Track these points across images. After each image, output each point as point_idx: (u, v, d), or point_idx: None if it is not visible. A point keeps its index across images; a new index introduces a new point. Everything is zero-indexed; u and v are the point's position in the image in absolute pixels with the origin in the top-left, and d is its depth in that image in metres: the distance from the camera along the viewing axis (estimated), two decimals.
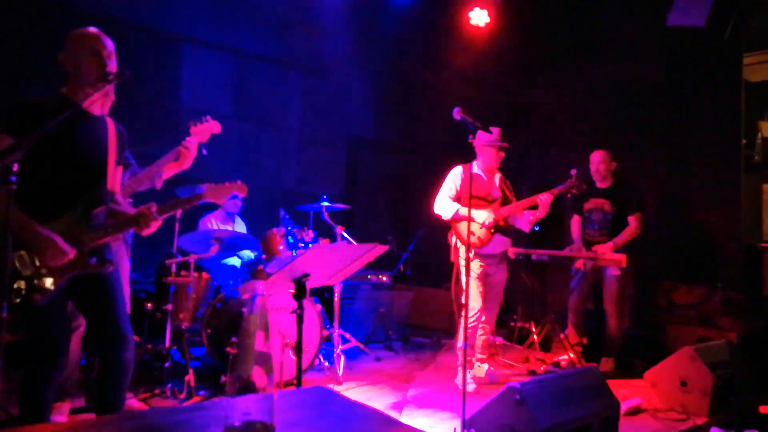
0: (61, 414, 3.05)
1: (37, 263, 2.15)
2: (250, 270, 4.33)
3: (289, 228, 4.27)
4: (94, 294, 2.33)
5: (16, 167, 1.76)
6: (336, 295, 4.64)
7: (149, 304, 3.99)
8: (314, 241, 4.33)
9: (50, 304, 2.20)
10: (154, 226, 2.38)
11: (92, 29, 2.36)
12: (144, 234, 2.39)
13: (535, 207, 3.97)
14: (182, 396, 3.50)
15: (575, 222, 4.87)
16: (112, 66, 2.34)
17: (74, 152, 2.28)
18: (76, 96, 2.30)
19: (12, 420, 2.40)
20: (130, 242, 3.36)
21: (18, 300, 2.12)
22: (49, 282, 2.18)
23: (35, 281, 2.15)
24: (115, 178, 2.47)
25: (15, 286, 2.11)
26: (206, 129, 3.26)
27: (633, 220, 4.53)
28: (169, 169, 3.16)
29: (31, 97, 2.25)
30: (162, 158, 3.13)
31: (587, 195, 4.63)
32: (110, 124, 2.45)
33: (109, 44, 2.36)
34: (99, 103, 2.70)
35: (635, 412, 3.46)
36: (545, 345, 5.15)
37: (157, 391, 3.54)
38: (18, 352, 2.24)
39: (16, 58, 4.57)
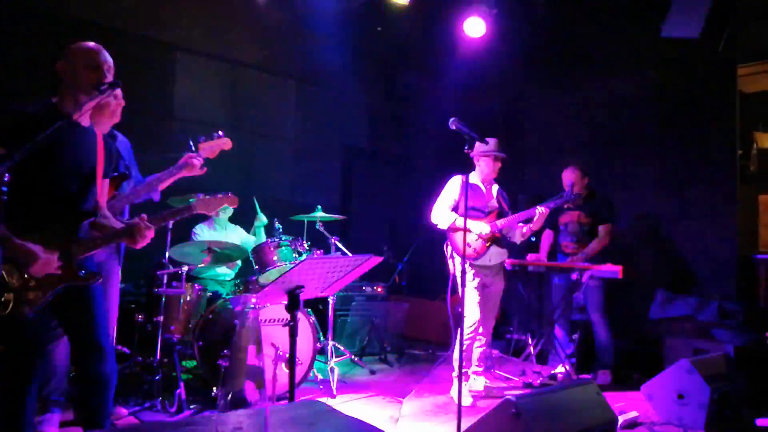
0: (51, 425, 3.00)
1: (26, 276, 2.13)
2: (243, 280, 4.28)
3: (283, 239, 4.23)
4: (74, 307, 2.29)
5: (7, 178, 1.73)
6: (330, 306, 4.60)
7: (140, 316, 3.94)
8: (308, 252, 4.29)
9: (34, 317, 2.17)
10: (148, 237, 2.35)
11: (94, 44, 2.37)
12: (137, 247, 2.37)
13: (529, 220, 3.97)
14: (173, 409, 3.44)
15: (546, 235, 5.00)
16: (110, 79, 2.34)
17: (63, 162, 2.26)
18: (67, 106, 2.29)
19: None
20: (122, 254, 3.32)
21: (6, 312, 2.09)
22: (37, 295, 2.15)
23: (24, 293, 2.13)
24: (103, 190, 2.45)
25: (3, 299, 2.09)
26: (217, 145, 3.24)
27: (602, 230, 4.65)
28: (167, 181, 3.15)
29: (20, 106, 2.23)
30: (163, 173, 3.12)
31: (560, 208, 4.67)
32: (99, 136, 2.44)
33: (109, 59, 2.37)
34: (99, 119, 2.78)
35: (632, 425, 3.43)
36: (542, 357, 5.12)
37: (147, 405, 3.49)
38: None
39: (11, 66, 4.54)
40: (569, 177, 4.68)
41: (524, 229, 4.03)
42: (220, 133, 3.27)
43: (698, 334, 4.55)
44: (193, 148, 3.60)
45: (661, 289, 5.09)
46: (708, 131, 5.19)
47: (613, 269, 4.20)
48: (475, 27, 5.77)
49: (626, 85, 5.72)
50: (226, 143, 3.27)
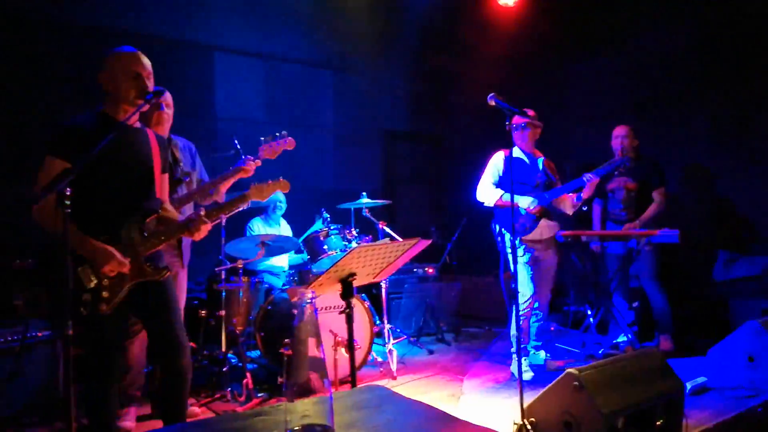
0: (128, 420, 3.17)
1: (100, 275, 2.24)
2: (298, 271, 4.38)
3: (332, 227, 4.29)
4: (152, 302, 2.39)
5: (69, 191, 1.82)
6: (383, 290, 4.65)
7: (203, 311, 4.10)
8: (357, 239, 4.34)
9: (112, 314, 2.29)
10: (205, 231, 2.43)
11: (130, 49, 2.39)
12: (196, 239, 2.45)
13: (579, 189, 3.87)
14: (242, 399, 3.58)
15: (596, 204, 4.85)
16: (150, 85, 2.38)
17: (122, 166, 2.34)
18: (116, 114, 2.36)
19: (84, 430, 2.50)
20: (186, 258, 3.41)
21: (86, 312, 2.21)
22: (112, 292, 2.26)
23: (99, 292, 2.24)
24: (163, 186, 2.53)
25: (83, 298, 2.20)
26: (279, 145, 3.17)
27: (657, 196, 4.51)
28: (225, 184, 3.21)
29: (73, 119, 2.31)
30: (220, 176, 3.17)
31: (610, 175, 4.52)
32: (150, 134, 2.51)
33: (147, 64, 2.40)
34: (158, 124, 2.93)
35: (701, 391, 3.34)
36: (602, 328, 5.02)
37: (217, 396, 3.65)
38: (80, 365, 2.32)
39: (55, 80, 4.72)
40: (620, 133, 4.55)
41: (575, 200, 3.94)
42: (284, 132, 3.22)
43: (767, 294, 4.36)
44: (238, 146, 3.70)
45: (723, 250, 4.89)
46: (764, 76, 4.89)
47: (670, 233, 4.06)
48: None
49: (670, 39, 5.46)
50: (290, 143, 3.21)
